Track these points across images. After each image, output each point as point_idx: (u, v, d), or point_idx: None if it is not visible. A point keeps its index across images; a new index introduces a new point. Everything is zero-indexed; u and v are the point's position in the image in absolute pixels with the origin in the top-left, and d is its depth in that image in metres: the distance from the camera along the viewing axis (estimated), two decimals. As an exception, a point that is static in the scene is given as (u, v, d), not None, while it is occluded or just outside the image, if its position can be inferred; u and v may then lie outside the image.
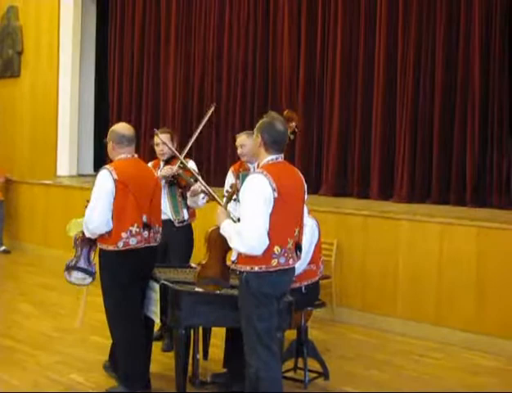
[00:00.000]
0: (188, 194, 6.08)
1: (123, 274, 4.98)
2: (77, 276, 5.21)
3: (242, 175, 5.80)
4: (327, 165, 9.04)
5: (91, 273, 5.19)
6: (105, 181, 4.90)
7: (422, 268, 6.81)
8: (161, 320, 4.99)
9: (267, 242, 4.10)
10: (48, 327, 6.90)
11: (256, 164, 4.38)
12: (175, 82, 10.77)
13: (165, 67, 10.91)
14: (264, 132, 4.26)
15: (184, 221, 6.23)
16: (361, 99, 8.68)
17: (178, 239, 6.18)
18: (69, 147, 11.52)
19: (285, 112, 6.76)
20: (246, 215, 4.09)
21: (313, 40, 9.15)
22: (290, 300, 4.78)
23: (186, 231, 6.28)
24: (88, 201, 5.01)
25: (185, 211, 6.22)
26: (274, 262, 4.17)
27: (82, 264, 5.14)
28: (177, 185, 6.13)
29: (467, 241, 6.52)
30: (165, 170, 6.10)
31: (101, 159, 10.74)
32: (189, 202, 6.17)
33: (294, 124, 6.43)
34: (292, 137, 6.44)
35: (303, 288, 5.38)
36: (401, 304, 6.97)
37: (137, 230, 4.98)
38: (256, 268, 4.15)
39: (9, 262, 10.47)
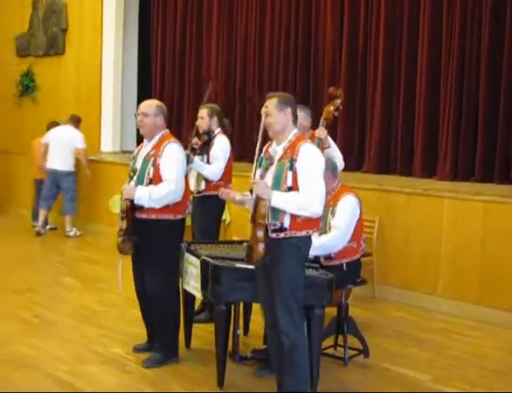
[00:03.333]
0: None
1: (180, 240, 5.36)
2: (129, 247, 5.22)
3: None
4: (370, 142, 8.97)
5: (135, 244, 5.22)
6: (180, 153, 5.20)
7: (465, 246, 6.74)
8: (202, 295, 5.06)
9: None
10: (92, 300, 7.02)
11: (291, 139, 4.41)
12: (217, 59, 10.76)
13: (208, 43, 10.91)
14: (293, 105, 4.44)
15: (200, 192, 6.35)
16: (405, 75, 8.56)
17: (197, 210, 6.31)
18: (113, 124, 11.64)
19: (331, 89, 6.73)
20: (313, 182, 4.25)
21: (356, 16, 9.03)
22: (331, 277, 4.79)
23: (205, 203, 6.35)
24: (133, 171, 5.10)
25: (203, 183, 6.34)
26: (321, 224, 4.51)
27: (130, 235, 5.15)
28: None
29: (511, 220, 6.42)
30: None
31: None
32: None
33: (339, 100, 6.42)
34: (336, 114, 6.46)
35: (344, 266, 5.39)
36: (442, 283, 6.92)
37: (191, 198, 5.40)
38: (310, 232, 4.36)
39: (55, 237, 10.64)
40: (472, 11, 7.89)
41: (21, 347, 5.59)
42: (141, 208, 5.06)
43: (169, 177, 5.03)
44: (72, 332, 6.05)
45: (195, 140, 6.35)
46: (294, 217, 4.26)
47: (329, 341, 5.56)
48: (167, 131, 5.30)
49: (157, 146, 5.14)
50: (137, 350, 5.51)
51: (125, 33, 11.68)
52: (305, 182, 4.25)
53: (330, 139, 6.31)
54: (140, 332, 5.67)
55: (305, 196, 4.23)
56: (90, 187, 10.86)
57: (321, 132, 6.20)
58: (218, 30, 10.74)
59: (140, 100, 11.86)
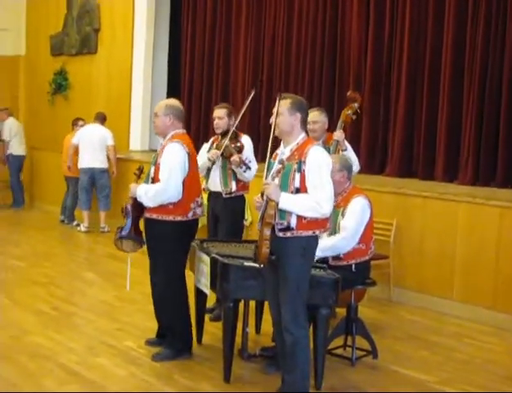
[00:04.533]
0: (233, 164, 6.23)
1: (187, 242, 5.36)
2: (128, 244, 5.41)
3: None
4: (392, 146, 8.98)
5: (140, 242, 5.40)
6: (179, 153, 5.15)
7: (480, 251, 6.75)
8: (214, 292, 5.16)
9: None
10: (110, 295, 7.18)
11: (299, 142, 4.50)
12: (245, 59, 10.87)
13: (236, 45, 11.02)
14: (301, 110, 4.51)
15: (231, 193, 6.34)
16: (428, 81, 8.55)
17: (226, 211, 6.34)
18: (142, 123, 11.81)
19: (349, 93, 6.87)
20: (323, 184, 4.37)
21: (382, 19, 9.05)
22: (337, 277, 4.85)
23: (234, 203, 6.40)
24: (139, 169, 5.25)
25: (233, 183, 6.33)
26: (327, 225, 4.55)
27: (133, 233, 5.33)
28: (226, 158, 6.26)
29: (526, 225, 6.43)
30: (211, 153, 6.32)
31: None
32: (237, 174, 6.32)
33: (356, 104, 6.56)
34: (354, 117, 6.57)
35: (353, 267, 5.44)
36: (457, 287, 6.92)
37: (201, 200, 5.35)
38: (317, 232, 4.47)
39: (79, 234, 10.81)
40: (496, 21, 7.87)
41: (38, 338, 5.76)
42: (146, 207, 5.24)
43: (161, 176, 5.10)
44: (88, 325, 6.21)
45: (228, 143, 6.27)
46: (300, 217, 4.36)
47: (338, 342, 5.61)
48: (178, 131, 5.30)
49: (163, 146, 5.26)
50: (149, 343, 5.64)
51: (156, 33, 11.86)
52: (315, 184, 4.35)
53: (347, 144, 6.39)
54: (154, 327, 5.77)
55: (315, 198, 4.32)
56: (118, 184, 11.00)
57: (339, 134, 6.29)
58: (246, 32, 10.85)
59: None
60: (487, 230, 6.68)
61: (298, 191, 4.38)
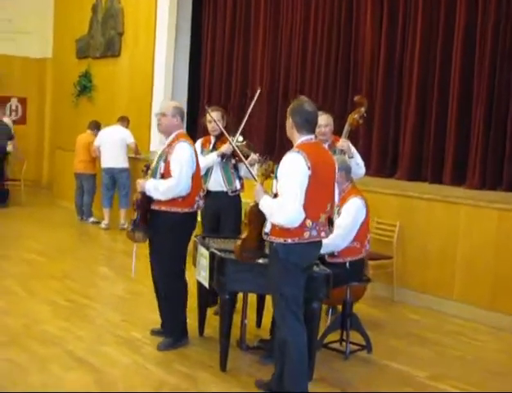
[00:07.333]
0: (247, 163, 6.34)
1: (189, 233, 5.74)
2: (139, 235, 5.70)
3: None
4: (403, 150, 9.17)
5: (148, 232, 5.68)
6: (188, 152, 5.54)
7: (479, 253, 6.92)
8: (209, 285, 5.40)
9: (303, 216, 4.40)
10: (121, 289, 7.51)
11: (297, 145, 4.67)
12: (262, 64, 11.17)
13: (254, 49, 11.34)
14: (295, 114, 4.55)
15: (236, 190, 6.64)
16: (438, 86, 8.73)
17: (231, 208, 6.61)
18: (163, 124, 12.07)
19: (356, 98, 7.06)
20: (285, 191, 4.39)
21: (394, 26, 9.27)
22: (328, 273, 5.07)
23: (238, 200, 6.70)
24: (146, 166, 5.62)
25: (237, 182, 6.63)
26: (306, 234, 4.47)
27: (143, 224, 5.63)
28: (235, 157, 6.46)
29: (524, 228, 6.59)
30: (225, 147, 6.49)
31: (192, 136, 11.21)
32: (243, 173, 6.59)
33: (363, 109, 6.73)
34: (361, 121, 6.76)
35: (348, 264, 5.66)
36: (458, 288, 7.10)
37: (203, 194, 5.79)
38: (289, 241, 4.45)
39: (97, 230, 11.19)
40: (505, 24, 8.03)
41: (49, 327, 6.06)
42: (154, 200, 5.54)
43: (173, 173, 5.44)
44: (98, 316, 6.52)
45: (241, 144, 6.48)
46: (273, 224, 4.51)
47: (336, 336, 5.82)
48: (181, 131, 5.68)
49: (170, 144, 5.57)
50: (155, 333, 5.92)
51: (177, 37, 12.17)
52: (279, 192, 4.47)
53: (352, 149, 6.49)
54: (159, 319, 6.01)
55: (274, 205, 4.44)
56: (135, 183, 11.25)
57: (344, 143, 6.39)
58: (264, 38, 11.15)
59: (190, 101, 12.41)
60: (486, 232, 6.86)
61: (276, 196, 4.53)
